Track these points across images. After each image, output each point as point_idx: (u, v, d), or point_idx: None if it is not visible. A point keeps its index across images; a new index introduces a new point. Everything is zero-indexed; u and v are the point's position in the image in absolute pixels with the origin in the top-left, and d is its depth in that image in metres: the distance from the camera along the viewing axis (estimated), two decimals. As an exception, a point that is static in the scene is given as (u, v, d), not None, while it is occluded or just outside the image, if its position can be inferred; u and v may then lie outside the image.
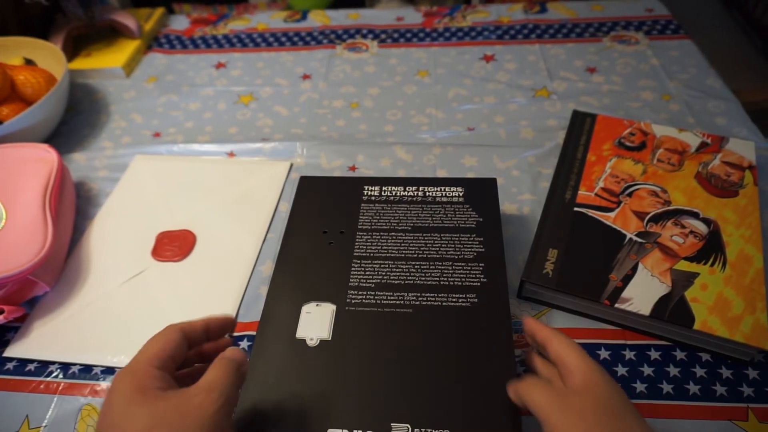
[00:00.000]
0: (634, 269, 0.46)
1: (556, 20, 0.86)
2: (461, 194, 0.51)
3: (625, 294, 0.45)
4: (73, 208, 0.60)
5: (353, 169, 0.63)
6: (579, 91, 0.72)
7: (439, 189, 0.52)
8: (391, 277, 0.45)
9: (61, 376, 0.46)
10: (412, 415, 0.37)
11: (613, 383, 0.34)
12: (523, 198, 0.58)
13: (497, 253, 0.46)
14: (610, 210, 0.51)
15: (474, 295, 0.43)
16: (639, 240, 0.49)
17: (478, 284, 0.44)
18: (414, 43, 0.84)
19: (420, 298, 0.44)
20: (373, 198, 0.52)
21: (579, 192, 0.53)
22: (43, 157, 0.57)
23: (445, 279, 0.45)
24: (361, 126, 0.70)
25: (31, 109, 0.62)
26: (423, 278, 0.45)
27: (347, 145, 0.66)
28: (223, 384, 0.30)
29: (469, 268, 0.45)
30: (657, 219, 0.50)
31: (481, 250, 0.47)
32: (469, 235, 0.48)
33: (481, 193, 0.52)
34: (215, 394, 0.29)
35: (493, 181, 0.53)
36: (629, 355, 0.45)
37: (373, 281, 0.45)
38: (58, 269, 0.53)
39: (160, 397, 0.29)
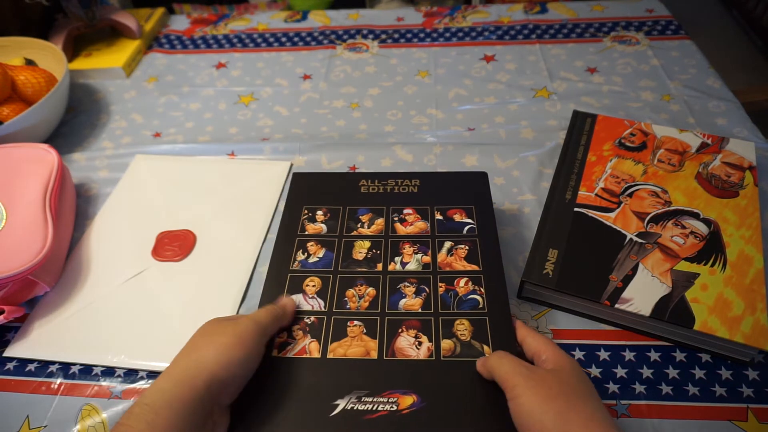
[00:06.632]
0: (635, 270, 0.46)
1: (557, 20, 0.86)
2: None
3: (625, 294, 0.45)
4: (73, 208, 0.60)
5: (354, 169, 0.63)
6: (579, 92, 0.72)
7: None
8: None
9: (61, 376, 0.46)
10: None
11: (583, 374, 0.36)
12: (523, 198, 0.58)
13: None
14: (611, 210, 0.51)
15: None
16: (639, 240, 0.49)
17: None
18: (414, 44, 0.84)
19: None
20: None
21: (579, 192, 0.53)
22: (44, 157, 0.57)
23: None
24: (362, 126, 0.70)
25: (31, 109, 0.62)
26: None
27: (347, 145, 0.66)
28: (263, 319, 0.40)
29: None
30: (657, 219, 0.50)
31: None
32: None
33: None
34: (255, 323, 0.39)
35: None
36: (629, 355, 0.45)
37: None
38: (58, 269, 0.53)
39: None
